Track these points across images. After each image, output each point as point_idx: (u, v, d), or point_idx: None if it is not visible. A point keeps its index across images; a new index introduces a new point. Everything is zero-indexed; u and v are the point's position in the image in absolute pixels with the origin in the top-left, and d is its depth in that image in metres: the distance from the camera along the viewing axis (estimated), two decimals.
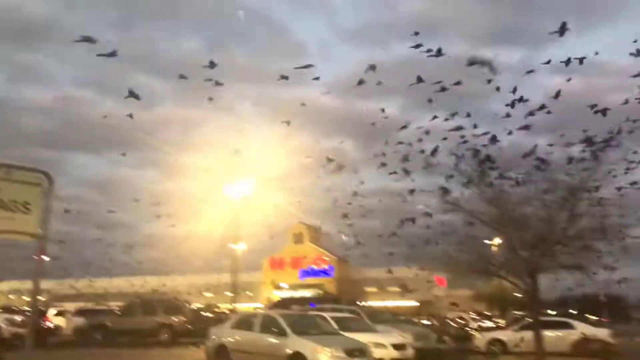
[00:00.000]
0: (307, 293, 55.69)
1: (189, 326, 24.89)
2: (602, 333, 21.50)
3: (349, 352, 12.31)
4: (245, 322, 14.50)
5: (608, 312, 70.80)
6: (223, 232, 38.85)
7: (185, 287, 50.79)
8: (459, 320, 36.64)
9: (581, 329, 21.62)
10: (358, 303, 29.08)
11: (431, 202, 14.93)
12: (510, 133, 12.89)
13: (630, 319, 77.14)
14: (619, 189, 13.43)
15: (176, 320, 24.73)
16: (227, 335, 14.19)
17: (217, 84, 11.27)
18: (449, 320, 34.54)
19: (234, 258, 39.35)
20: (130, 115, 12.10)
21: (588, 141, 12.82)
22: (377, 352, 13.89)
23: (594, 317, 54.55)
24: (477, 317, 41.86)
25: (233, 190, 35.46)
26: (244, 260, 46.68)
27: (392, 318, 21.57)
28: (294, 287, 66.99)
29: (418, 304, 61.73)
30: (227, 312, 32.55)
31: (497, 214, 13.75)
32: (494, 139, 12.97)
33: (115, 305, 32.39)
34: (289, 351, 12.37)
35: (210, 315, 28.77)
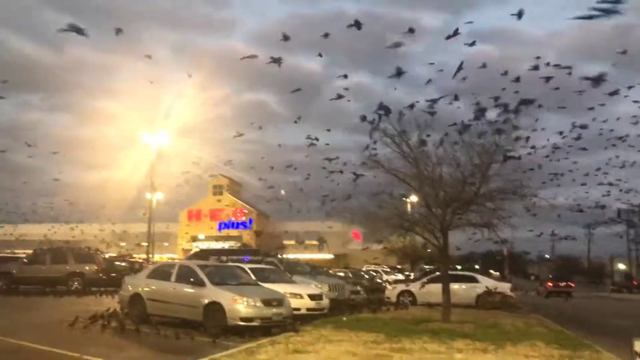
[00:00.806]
0: (225, 245, 55.55)
1: (102, 275, 24.34)
2: (503, 287, 23.10)
3: (267, 302, 12.48)
4: (161, 272, 14.28)
5: (509, 267, 76.07)
6: (139, 181, 37.78)
7: (99, 236, 49.11)
8: (372, 273, 37.97)
9: (485, 283, 23.14)
10: (277, 255, 29.34)
11: (353, 159, 15.22)
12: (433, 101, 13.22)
13: (528, 274, 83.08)
14: (529, 153, 14.24)
15: (87, 268, 24.07)
16: (143, 285, 13.94)
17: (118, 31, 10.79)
18: (362, 273, 35.68)
19: (150, 208, 38.40)
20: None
21: (502, 107, 13.45)
22: (294, 302, 14.19)
23: (495, 273, 58.44)
24: (389, 270, 43.61)
25: (150, 138, 34.32)
26: (160, 210, 45.74)
27: (309, 270, 22.01)
28: (211, 238, 66.63)
29: (333, 256, 63.48)
30: (142, 261, 32.01)
31: (415, 173, 14.20)
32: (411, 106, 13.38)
33: (23, 253, 31.00)
34: (206, 301, 12.35)
35: (124, 264, 28.22)
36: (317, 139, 14.86)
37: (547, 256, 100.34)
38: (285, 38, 11.99)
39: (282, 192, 27.88)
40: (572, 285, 46.25)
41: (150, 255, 38.23)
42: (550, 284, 46.21)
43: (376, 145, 14.45)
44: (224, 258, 21.81)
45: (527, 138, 13.63)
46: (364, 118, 14.17)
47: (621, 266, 79.99)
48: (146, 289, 13.76)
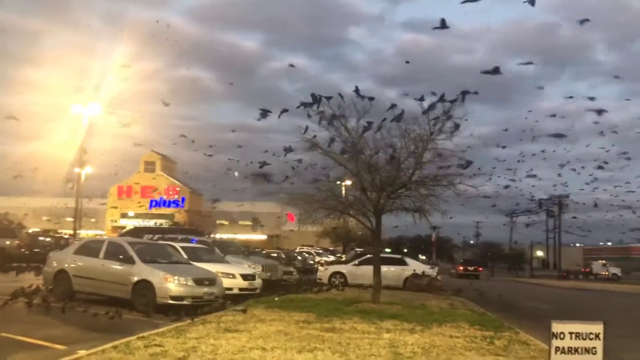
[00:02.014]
0: (156, 222, 54.37)
1: (24, 250, 23.29)
2: (430, 270, 23.93)
3: (198, 281, 12.36)
4: (89, 248, 13.81)
5: (436, 251, 78.76)
6: (67, 154, 36.20)
7: (22, 210, 46.81)
8: (305, 255, 38.33)
9: (413, 266, 23.88)
10: (210, 235, 29.05)
11: (291, 140, 15.19)
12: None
13: (453, 258, 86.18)
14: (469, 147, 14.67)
15: (8, 243, 22.96)
16: (69, 261, 13.45)
17: None
18: (295, 254, 35.96)
19: (79, 182, 36.89)
20: None
21: (439, 97, 13.80)
22: (226, 282, 14.13)
23: (423, 257, 60.61)
24: (322, 252, 44.17)
25: (79, 111, 32.86)
26: (88, 186, 44.04)
27: (243, 250, 21.97)
28: (142, 216, 65.02)
29: (266, 237, 63.53)
30: (68, 237, 30.85)
31: (352, 156, 14.37)
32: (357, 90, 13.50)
33: None
34: (135, 278, 12.08)
35: (48, 240, 27.14)
36: (269, 112, 14.63)
37: (471, 242, 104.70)
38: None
39: (236, 173, 27.40)
40: (480, 269, 52.35)
41: (77, 232, 36.84)
42: (461, 267, 52.02)
43: (315, 127, 14.48)
44: (148, 236, 21.28)
45: (455, 130, 14.01)
46: (303, 103, 14.17)
47: (539, 253, 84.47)
48: (72, 265, 13.30)
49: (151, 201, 68.57)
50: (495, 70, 13.69)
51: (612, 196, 42.91)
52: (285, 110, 14.25)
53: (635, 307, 22.56)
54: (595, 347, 5.70)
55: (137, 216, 65.44)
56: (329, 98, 14.00)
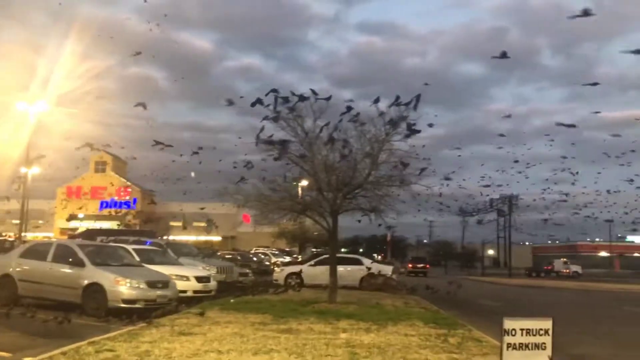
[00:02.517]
0: (107, 224, 52.96)
1: None
2: (386, 270, 24.16)
3: (151, 284, 12.13)
4: (36, 251, 13.34)
5: (391, 251, 79.79)
6: (12, 153, 34.77)
7: None
8: (261, 256, 38.14)
9: (369, 265, 24.05)
10: (163, 237, 28.53)
11: (245, 140, 15.06)
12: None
13: (407, 257, 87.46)
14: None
15: None
16: (14, 265, 12.95)
17: None
18: (251, 255, 35.73)
19: (25, 183, 35.48)
20: None
21: (394, 99, 13.95)
22: (180, 284, 13.91)
23: (379, 256, 61.45)
24: (278, 253, 44.05)
25: (25, 108, 31.62)
26: (35, 186, 42.51)
27: (197, 252, 21.67)
28: (92, 217, 63.20)
29: (221, 238, 62.83)
30: (13, 240, 29.69)
31: (308, 157, 14.35)
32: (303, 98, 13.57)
33: None
34: (85, 282, 11.75)
35: None
36: (233, 103, 14.49)
37: (425, 241, 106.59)
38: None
39: (192, 173, 27.02)
40: (428, 266, 56.01)
41: (23, 234, 35.47)
42: (410, 265, 55.07)
43: (272, 127, 14.38)
44: (102, 239, 20.72)
45: (410, 134, 14.18)
46: (259, 101, 14.05)
47: (490, 252, 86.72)
48: (18, 269, 12.82)
49: (101, 202, 66.79)
50: (503, 55, 14.06)
51: (561, 195, 44.45)
52: (258, 101, 13.87)
53: (583, 304, 23.41)
54: (544, 343, 5.87)
55: (87, 218, 63.56)
56: (285, 98, 13.95)
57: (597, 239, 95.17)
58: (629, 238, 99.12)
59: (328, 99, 14.12)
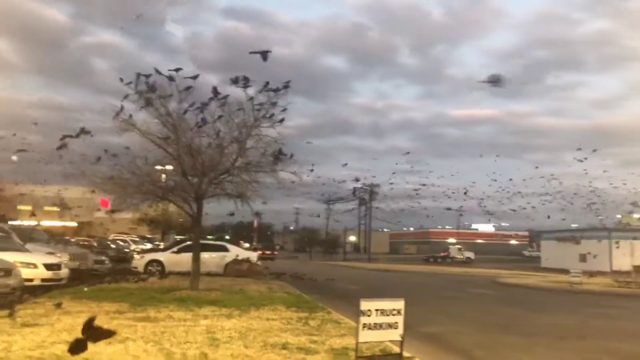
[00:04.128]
0: None
1: None
2: (252, 256, 24.27)
3: None
4: None
5: (258, 238, 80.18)
6: None
7: None
8: (120, 243, 36.43)
9: (235, 252, 23.95)
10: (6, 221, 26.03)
11: (103, 120, 14.15)
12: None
13: (274, 244, 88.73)
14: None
15: None
16: None
17: None
18: (109, 242, 34.01)
19: None
20: None
21: (263, 85, 13.89)
22: (26, 272, 12.78)
23: (246, 244, 62.08)
24: (138, 240, 42.27)
25: None
26: None
27: (47, 238, 20.15)
28: None
29: (76, 224, 58.95)
30: None
31: (172, 139, 13.83)
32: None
33: None
34: None
35: None
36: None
37: (291, 228, 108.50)
38: None
39: (14, 157, 24.64)
40: (276, 253, 62.71)
41: None
42: (260, 251, 56.54)
43: (132, 108, 13.65)
44: None
45: (282, 120, 14.24)
46: (121, 80, 13.30)
47: (352, 238, 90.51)
48: None
49: None
50: (496, 80, 15.10)
51: (419, 186, 47.63)
52: (149, 75, 13.11)
53: (434, 285, 25.25)
54: (397, 322, 6.21)
55: None
56: (147, 76, 13.29)
57: (447, 227, 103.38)
58: (474, 225, 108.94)
59: (195, 77, 13.73)
